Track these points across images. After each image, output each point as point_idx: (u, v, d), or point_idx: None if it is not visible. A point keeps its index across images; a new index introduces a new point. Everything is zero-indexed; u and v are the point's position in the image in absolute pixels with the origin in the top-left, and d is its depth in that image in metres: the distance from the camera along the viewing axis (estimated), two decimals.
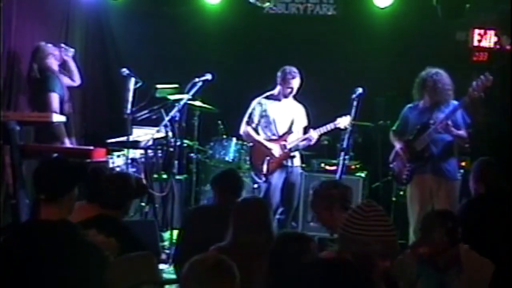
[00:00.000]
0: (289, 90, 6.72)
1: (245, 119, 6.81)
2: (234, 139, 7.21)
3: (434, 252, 3.62)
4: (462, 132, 5.94)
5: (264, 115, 6.80)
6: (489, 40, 7.59)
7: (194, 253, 2.74)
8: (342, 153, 5.77)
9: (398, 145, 6.14)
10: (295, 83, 6.71)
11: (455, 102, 5.91)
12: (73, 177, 3.18)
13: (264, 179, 6.59)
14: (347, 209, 4.13)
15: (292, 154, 6.75)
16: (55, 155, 5.59)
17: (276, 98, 6.82)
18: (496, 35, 7.59)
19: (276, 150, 6.72)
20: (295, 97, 6.87)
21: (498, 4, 7.55)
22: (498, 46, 7.58)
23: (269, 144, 6.73)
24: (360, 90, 5.84)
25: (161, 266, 5.65)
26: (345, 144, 5.82)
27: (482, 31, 7.59)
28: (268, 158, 6.62)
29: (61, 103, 6.53)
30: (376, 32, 7.77)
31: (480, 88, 5.64)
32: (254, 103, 6.82)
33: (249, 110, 6.80)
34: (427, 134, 5.89)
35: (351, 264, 2.83)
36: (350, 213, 2.95)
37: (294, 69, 6.70)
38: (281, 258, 3.11)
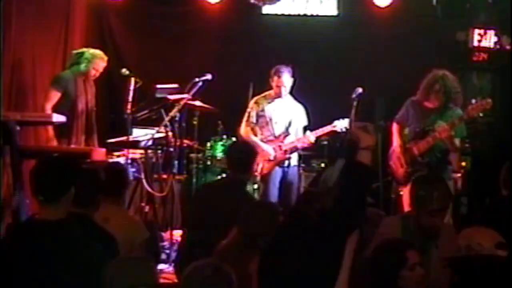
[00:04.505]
0: (278, 89, 6.67)
1: (244, 118, 6.81)
2: (234, 139, 7.20)
3: None
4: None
5: (261, 115, 6.76)
6: (489, 40, 7.59)
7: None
8: None
9: (395, 142, 6.14)
10: (284, 81, 6.62)
11: (460, 111, 5.92)
12: (71, 177, 3.16)
13: (259, 179, 6.58)
14: None
15: (288, 156, 6.73)
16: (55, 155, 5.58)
17: (273, 97, 6.78)
18: (496, 35, 7.58)
19: (271, 152, 6.68)
20: (294, 97, 6.86)
21: (498, 4, 7.54)
22: (498, 46, 7.58)
23: (264, 146, 6.68)
24: (360, 90, 5.84)
25: (161, 266, 5.66)
26: None
27: (482, 31, 7.58)
28: (263, 160, 6.60)
29: None
30: (376, 32, 7.75)
31: (479, 108, 5.78)
32: (251, 102, 6.81)
33: (248, 109, 6.79)
34: (426, 141, 5.90)
35: None
36: None
37: (283, 67, 6.61)
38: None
